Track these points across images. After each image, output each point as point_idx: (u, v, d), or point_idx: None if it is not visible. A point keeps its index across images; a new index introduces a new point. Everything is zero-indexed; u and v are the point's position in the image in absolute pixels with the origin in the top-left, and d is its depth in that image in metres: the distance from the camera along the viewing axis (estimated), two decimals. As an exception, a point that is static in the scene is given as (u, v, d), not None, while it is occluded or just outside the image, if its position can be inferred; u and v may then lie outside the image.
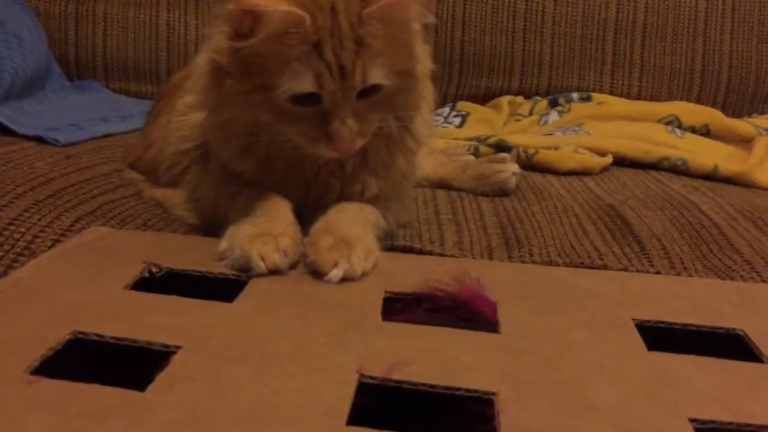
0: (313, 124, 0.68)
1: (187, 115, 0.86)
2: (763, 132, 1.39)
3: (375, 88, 0.67)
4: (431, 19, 0.73)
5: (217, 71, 0.70)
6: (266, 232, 0.66)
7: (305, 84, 0.65)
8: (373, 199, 0.76)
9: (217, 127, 0.75)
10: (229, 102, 0.70)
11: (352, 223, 0.70)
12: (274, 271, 0.64)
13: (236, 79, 0.68)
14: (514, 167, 1.09)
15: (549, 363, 0.50)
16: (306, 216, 0.72)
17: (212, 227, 0.74)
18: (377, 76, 0.67)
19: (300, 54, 0.64)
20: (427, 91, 0.77)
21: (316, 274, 0.64)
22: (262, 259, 0.64)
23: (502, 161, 1.10)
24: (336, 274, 0.63)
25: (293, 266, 0.66)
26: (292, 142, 0.70)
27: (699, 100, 1.61)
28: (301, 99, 0.66)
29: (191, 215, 0.82)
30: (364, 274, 0.64)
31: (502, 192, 1.05)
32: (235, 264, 0.64)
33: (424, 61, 0.74)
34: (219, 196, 0.77)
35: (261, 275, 0.64)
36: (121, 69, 1.65)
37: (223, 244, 0.67)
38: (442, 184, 1.09)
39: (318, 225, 0.69)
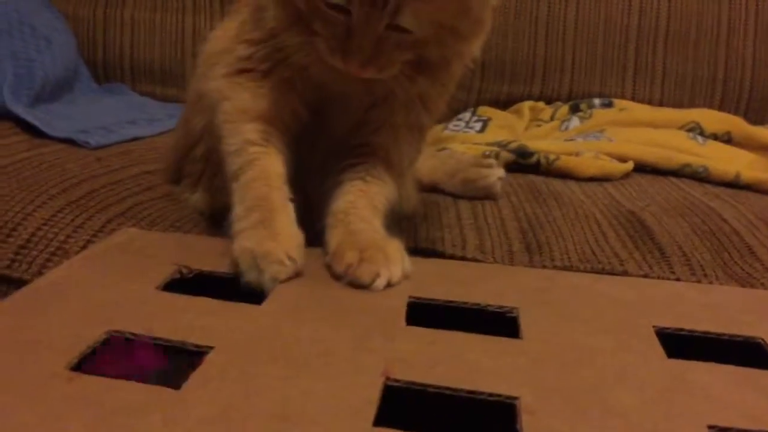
0: (336, 32, 0.67)
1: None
2: (786, 140, 1.38)
3: (403, 29, 0.66)
4: None
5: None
6: (274, 250, 0.65)
7: None
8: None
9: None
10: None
11: (370, 225, 0.71)
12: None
13: None
14: (500, 172, 1.10)
15: (570, 369, 0.51)
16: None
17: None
18: (406, 20, 0.65)
19: None
20: (470, 47, 0.75)
21: (353, 284, 0.64)
22: (275, 280, 0.64)
23: (488, 166, 1.11)
24: (381, 283, 0.64)
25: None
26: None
27: (721, 108, 1.60)
28: (332, 4, 0.66)
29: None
30: (405, 276, 0.66)
31: (488, 196, 1.06)
32: (248, 284, 0.64)
33: (479, 19, 0.71)
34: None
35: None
36: (147, 72, 1.68)
37: (232, 263, 0.66)
38: (434, 189, 1.11)
39: (335, 239, 0.69)
